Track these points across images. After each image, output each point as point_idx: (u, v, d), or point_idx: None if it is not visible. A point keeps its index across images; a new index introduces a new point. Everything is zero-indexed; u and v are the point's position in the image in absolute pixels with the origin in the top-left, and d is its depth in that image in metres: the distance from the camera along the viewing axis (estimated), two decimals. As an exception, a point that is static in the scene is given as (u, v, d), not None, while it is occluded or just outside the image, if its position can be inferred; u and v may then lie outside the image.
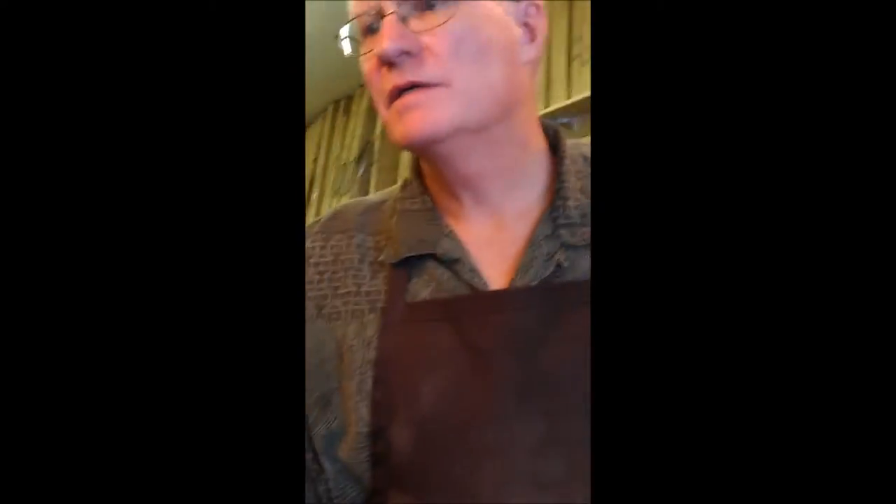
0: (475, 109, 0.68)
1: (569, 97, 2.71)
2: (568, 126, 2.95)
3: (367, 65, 0.71)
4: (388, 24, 0.67)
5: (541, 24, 0.72)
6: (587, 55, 2.66)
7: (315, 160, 3.89)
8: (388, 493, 0.70)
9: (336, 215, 0.82)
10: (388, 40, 0.66)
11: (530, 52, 0.72)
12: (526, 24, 0.72)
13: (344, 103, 3.85)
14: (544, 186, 0.75)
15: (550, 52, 2.84)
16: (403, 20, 0.67)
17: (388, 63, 0.67)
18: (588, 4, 2.66)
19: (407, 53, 0.67)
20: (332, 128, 3.88)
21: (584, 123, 2.86)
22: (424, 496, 0.68)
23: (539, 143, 0.76)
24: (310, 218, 3.33)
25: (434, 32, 0.67)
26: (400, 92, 0.68)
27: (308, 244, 0.80)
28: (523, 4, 0.71)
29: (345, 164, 3.66)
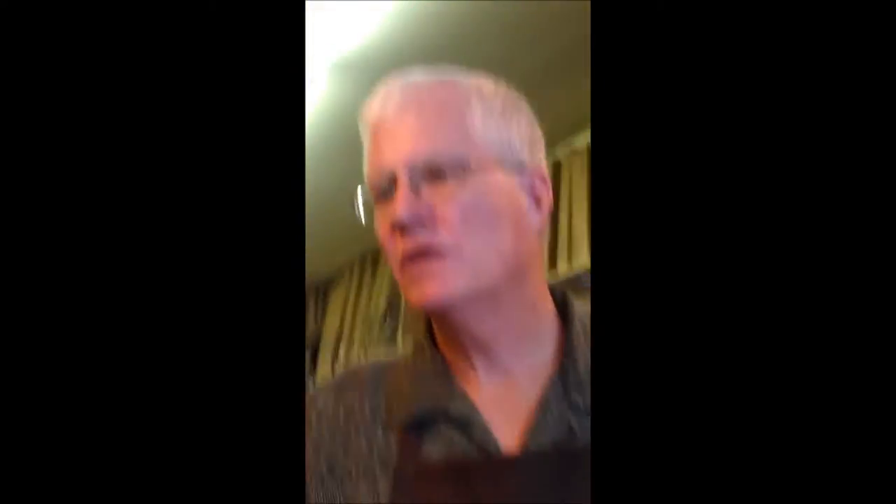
0: (485, 276, 0.70)
1: (591, 257, 2.75)
2: (588, 286, 2.97)
3: (382, 228, 0.74)
4: (402, 191, 0.70)
5: (546, 195, 0.75)
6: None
7: (342, 315, 3.92)
8: None
9: (349, 374, 0.83)
10: (401, 207, 0.69)
11: (537, 219, 0.75)
12: (532, 195, 0.74)
13: (371, 257, 3.92)
14: (554, 348, 0.76)
15: (572, 211, 2.90)
16: (416, 188, 0.70)
17: (401, 228, 0.70)
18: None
19: (419, 220, 0.69)
20: (360, 283, 3.94)
21: (607, 281, 2.88)
22: None
23: (548, 307, 0.77)
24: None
25: (445, 200, 0.69)
26: (412, 256, 0.70)
27: (320, 402, 0.80)
28: (529, 176, 0.74)
29: (372, 319, 3.69)
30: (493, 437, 0.72)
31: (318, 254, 3.43)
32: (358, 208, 0.76)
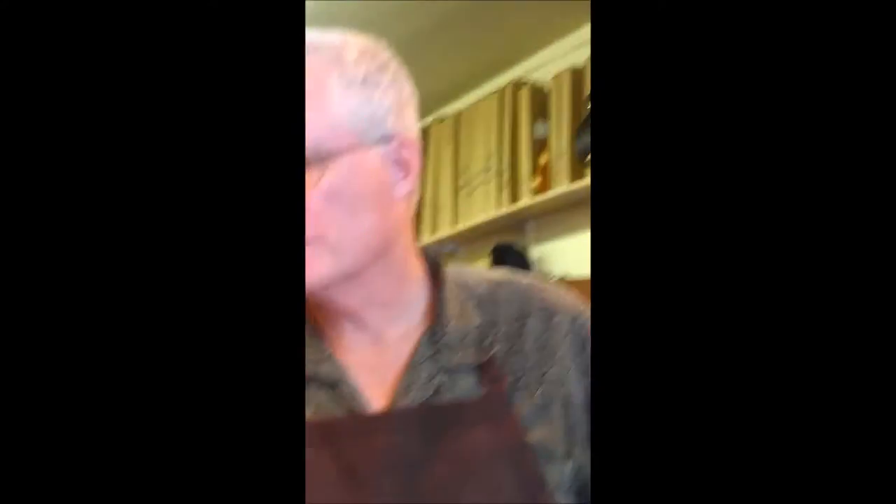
0: (349, 260, 0.70)
1: (454, 225, 2.79)
2: (453, 253, 3.02)
3: None
4: None
5: (413, 159, 0.74)
6: (473, 184, 2.76)
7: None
8: None
9: None
10: None
11: (404, 187, 0.73)
12: (398, 162, 0.73)
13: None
14: (424, 311, 0.77)
15: (438, 180, 2.93)
16: None
17: None
18: (474, 135, 2.78)
19: None
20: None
21: (468, 252, 2.94)
22: None
23: (417, 271, 0.78)
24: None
25: (308, 190, 0.68)
26: None
27: None
28: (395, 144, 0.72)
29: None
30: (361, 398, 0.73)
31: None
32: None
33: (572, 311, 0.78)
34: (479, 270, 0.85)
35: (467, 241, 2.89)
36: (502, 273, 0.83)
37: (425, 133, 3.11)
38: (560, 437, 0.72)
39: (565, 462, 0.72)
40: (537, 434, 0.72)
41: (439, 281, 0.78)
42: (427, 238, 2.91)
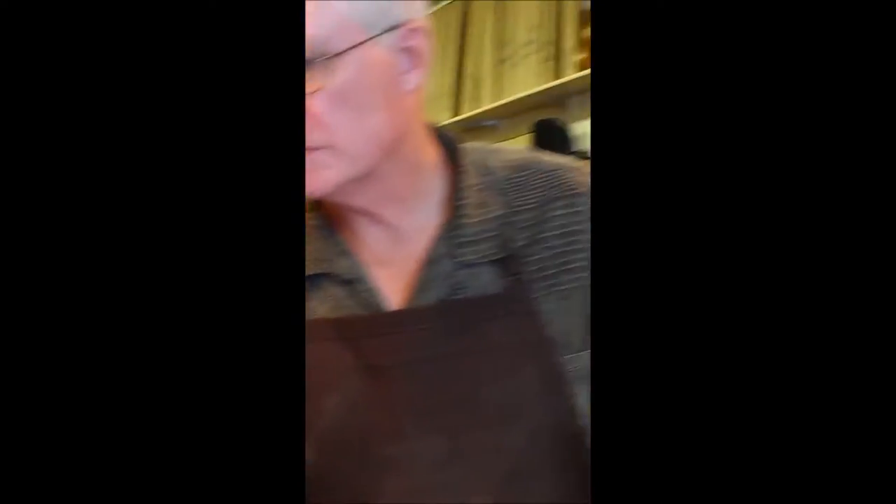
0: (361, 162, 0.67)
1: (496, 99, 2.74)
2: (494, 128, 2.97)
3: None
4: None
5: (423, 46, 0.69)
6: (517, 58, 2.68)
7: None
8: None
9: None
10: None
11: (414, 78, 0.69)
12: (407, 50, 0.68)
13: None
14: (442, 199, 0.75)
15: (480, 52, 2.86)
16: None
17: None
18: (518, 6, 2.68)
19: None
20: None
21: (510, 126, 2.89)
22: None
23: (432, 159, 0.75)
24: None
25: (313, 95, 0.64)
26: None
27: None
28: (402, 30, 0.67)
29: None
30: (379, 294, 0.72)
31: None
32: None
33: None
34: (502, 150, 0.80)
35: (509, 115, 2.84)
36: (526, 154, 0.79)
37: (467, 2, 3.01)
38: (581, 326, 0.71)
39: (584, 351, 0.71)
40: (558, 325, 0.71)
41: (458, 166, 0.76)
42: (467, 111, 2.86)
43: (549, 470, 0.70)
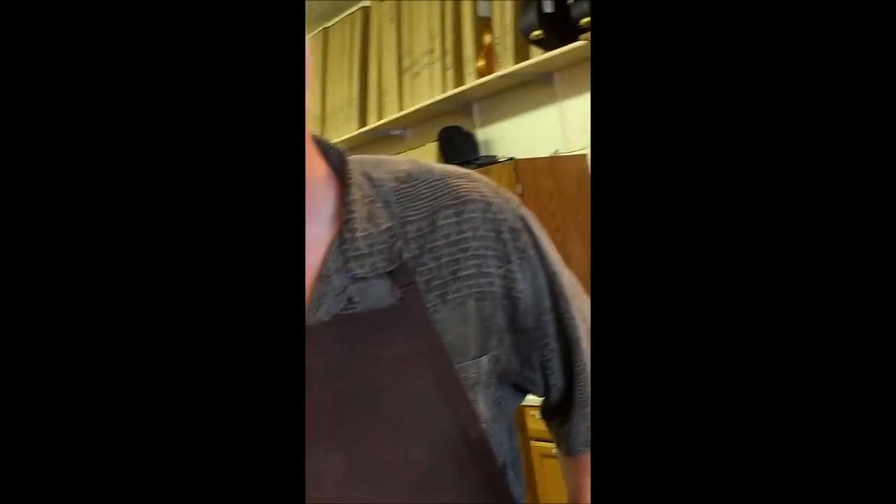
0: None
1: (401, 109, 2.74)
2: (401, 137, 2.98)
3: None
4: None
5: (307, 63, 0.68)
6: (419, 66, 2.70)
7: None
8: None
9: None
10: None
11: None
12: None
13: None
14: (331, 214, 0.74)
15: (382, 64, 2.86)
16: None
17: None
18: (417, 15, 2.69)
19: None
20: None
21: (417, 135, 2.90)
22: None
23: (320, 173, 0.74)
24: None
25: None
26: None
27: None
28: None
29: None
30: None
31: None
32: None
33: (484, 199, 0.76)
34: (388, 162, 0.80)
35: (415, 124, 2.85)
36: (412, 164, 0.79)
37: (366, 13, 3.01)
38: (475, 333, 0.72)
39: (480, 357, 0.72)
40: (452, 334, 0.72)
41: (345, 180, 0.76)
42: (374, 122, 2.86)
43: (456, 478, 0.71)
